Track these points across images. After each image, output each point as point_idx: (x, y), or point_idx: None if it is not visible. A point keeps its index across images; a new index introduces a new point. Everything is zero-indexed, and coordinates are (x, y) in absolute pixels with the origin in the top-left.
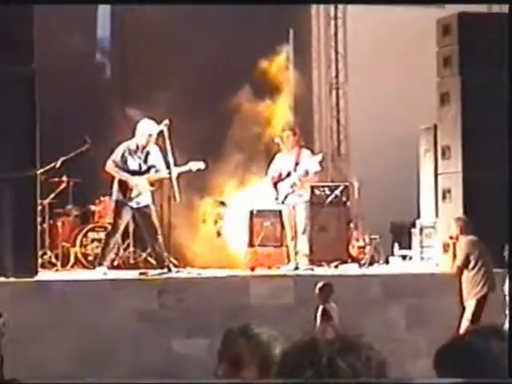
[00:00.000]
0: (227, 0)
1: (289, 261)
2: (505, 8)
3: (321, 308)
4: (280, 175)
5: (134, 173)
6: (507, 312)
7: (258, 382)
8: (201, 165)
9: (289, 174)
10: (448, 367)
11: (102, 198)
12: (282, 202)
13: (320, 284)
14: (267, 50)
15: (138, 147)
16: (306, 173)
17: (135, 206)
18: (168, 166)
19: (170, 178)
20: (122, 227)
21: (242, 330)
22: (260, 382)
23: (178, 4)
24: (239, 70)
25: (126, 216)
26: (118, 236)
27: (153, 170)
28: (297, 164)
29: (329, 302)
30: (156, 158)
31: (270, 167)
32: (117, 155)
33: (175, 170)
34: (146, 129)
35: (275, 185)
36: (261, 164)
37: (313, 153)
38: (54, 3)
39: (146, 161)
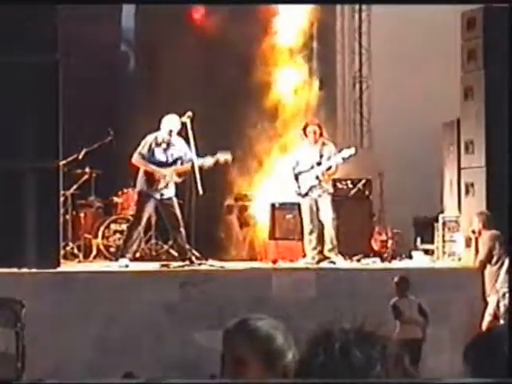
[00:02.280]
0: (228, 0)
1: (304, 255)
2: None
3: (391, 303)
4: (302, 167)
5: (161, 164)
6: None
7: (259, 381)
8: (228, 156)
9: (312, 167)
10: (477, 361)
11: (124, 190)
12: (305, 195)
13: (396, 278)
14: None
15: (163, 140)
16: (330, 167)
17: (159, 197)
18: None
19: (194, 170)
20: (144, 219)
21: (240, 327)
22: (261, 382)
23: (179, 4)
24: (263, 63)
25: (149, 208)
26: (141, 228)
27: (179, 162)
28: (321, 157)
29: (406, 296)
30: (182, 149)
31: (292, 159)
32: (143, 148)
33: (200, 161)
34: (172, 123)
35: (297, 177)
36: (285, 156)
37: (335, 146)
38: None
39: (172, 153)
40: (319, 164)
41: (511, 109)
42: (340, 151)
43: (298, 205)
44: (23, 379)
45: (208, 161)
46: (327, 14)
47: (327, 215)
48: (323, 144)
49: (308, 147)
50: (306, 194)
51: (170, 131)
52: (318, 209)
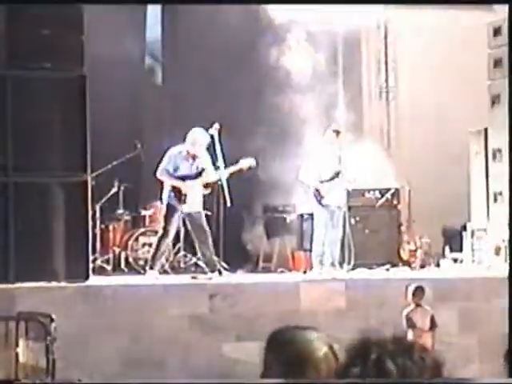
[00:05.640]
0: (229, 0)
1: (311, 267)
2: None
3: (404, 313)
4: (324, 176)
5: (185, 178)
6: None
7: (261, 382)
8: (252, 162)
9: (336, 176)
10: None
11: (153, 203)
12: (325, 205)
13: (412, 287)
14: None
15: (188, 153)
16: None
17: (186, 210)
18: (218, 169)
19: (221, 182)
20: (172, 231)
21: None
22: (263, 383)
23: (179, 4)
24: (289, 72)
25: (177, 220)
26: (169, 240)
27: (204, 174)
28: (340, 165)
29: (421, 306)
30: (206, 161)
31: (314, 167)
32: (168, 162)
33: (226, 172)
34: (199, 138)
35: (317, 186)
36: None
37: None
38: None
39: (196, 166)
40: (339, 173)
41: (511, 115)
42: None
43: (311, 214)
44: None
45: (231, 170)
46: (353, 25)
47: (338, 229)
48: (344, 154)
49: (328, 154)
50: (326, 205)
51: (196, 144)
52: (332, 220)
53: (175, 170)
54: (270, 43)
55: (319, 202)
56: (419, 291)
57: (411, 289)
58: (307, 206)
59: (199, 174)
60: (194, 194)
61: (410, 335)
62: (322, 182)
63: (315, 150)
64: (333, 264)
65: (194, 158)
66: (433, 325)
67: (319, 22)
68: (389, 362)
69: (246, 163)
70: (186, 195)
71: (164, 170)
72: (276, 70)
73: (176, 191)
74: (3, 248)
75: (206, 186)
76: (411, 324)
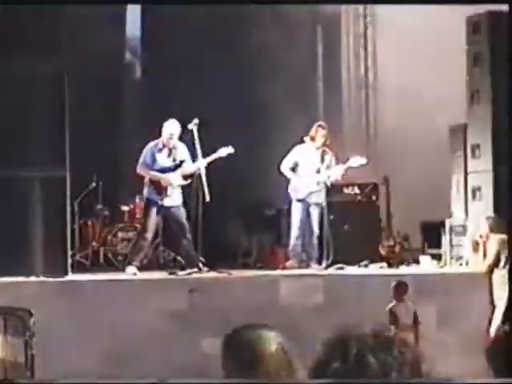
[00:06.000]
0: (229, 0)
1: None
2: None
3: (387, 308)
4: (302, 171)
5: (164, 170)
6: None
7: (257, 382)
8: (230, 150)
9: (314, 172)
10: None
11: (132, 199)
12: (301, 200)
13: (394, 282)
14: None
15: (164, 145)
16: (328, 176)
17: (166, 205)
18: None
19: (201, 178)
20: (151, 227)
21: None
22: (258, 382)
23: (179, 4)
24: (271, 66)
25: (156, 215)
26: (148, 235)
27: (184, 164)
28: (322, 162)
29: (404, 301)
30: (184, 152)
31: (290, 160)
32: (145, 157)
33: (204, 161)
34: (172, 129)
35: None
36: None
37: (342, 151)
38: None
39: (173, 157)
40: (319, 171)
41: (511, 115)
42: (347, 160)
43: (288, 208)
44: None
45: (210, 158)
46: (332, 18)
47: (316, 225)
48: (324, 152)
49: (308, 149)
50: (303, 200)
51: (171, 135)
52: (310, 216)
53: (153, 163)
54: (250, 35)
55: (296, 198)
56: (402, 286)
57: (394, 284)
58: (286, 201)
59: (178, 166)
60: (174, 187)
61: (393, 330)
62: (300, 176)
63: (297, 144)
64: (311, 260)
65: (170, 150)
66: (416, 320)
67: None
68: (369, 357)
69: (224, 151)
70: (166, 188)
71: (143, 165)
72: (256, 63)
73: (156, 185)
74: None
75: (186, 177)
76: (394, 319)
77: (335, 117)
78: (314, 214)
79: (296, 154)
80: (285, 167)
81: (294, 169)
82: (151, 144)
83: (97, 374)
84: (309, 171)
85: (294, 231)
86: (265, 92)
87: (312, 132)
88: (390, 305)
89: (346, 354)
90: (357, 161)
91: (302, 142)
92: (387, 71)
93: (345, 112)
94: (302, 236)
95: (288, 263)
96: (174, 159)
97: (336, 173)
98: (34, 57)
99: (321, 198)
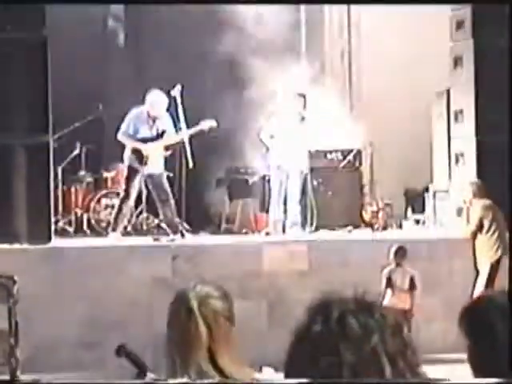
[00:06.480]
0: (228, 0)
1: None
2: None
3: (384, 272)
4: (279, 139)
5: (146, 140)
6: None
7: (255, 382)
8: (213, 123)
9: (294, 138)
10: (473, 326)
11: (115, 165)
12: (278, 167)
13: (394, 247)
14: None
15: (148, 115)
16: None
17: (147, 172)
18: (179, 131)
19: (184, 144)
20: (134, 193)
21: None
22: (266, 383)
23: (178, 4)
24: (251, 35)
25: (139, 182)
26: (131, 202)
27: (165, 135)
28: (304, 128)
29: (402, 266)
30: (167, 123)
31: (267, 129)
32: (127, 125)
33: (187, 133)
34: (158, 100)
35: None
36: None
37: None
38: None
39: (157, 127)
40: (297, 136)
41: (511, 110)
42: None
43: (263, 176)
44: (17, 356)
45: (192, 131)
46: None
47: (294, 191)
48: (303, 118)
49: (285, 117)
50: (280, 166)
51: (153, 105)
52: (287, 182)
53: (135, 132)
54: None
55: (273, 164)
56: (401, 251)
57: (393, 249)
58: (269, 168)
59: (160, 136)
60: (156, 156)
61: (388, 294)
62: (279, 143)
63: (277, 111)
64: (293, 226)
65: (154, 119)
66: (412, 286)
67: None
68: (350, 319)
69: (206, 124)
70: (147, 157)
71: (124, 133)
72: (240, 32)
73: (137, 153)
74: None
75: (168, 148)
76: (389, 283)
77: (318, 83)
78: (292, 180)
79: (276, 121)
80: (264, 135)
81: (272, 136)
82: (134, 112)
83: (79, 340)
84: (287, 137)
85: (274, 197)
86: (249, 61)
87: (291, 100)
88: (387, 268)
89: (328, 317)
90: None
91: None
92: (370, 38)
93: (328, 79)
94: (284, 202)
95: (267, 229)
96: (156, 129)
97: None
98: (17, 22)
99: (301, 163)
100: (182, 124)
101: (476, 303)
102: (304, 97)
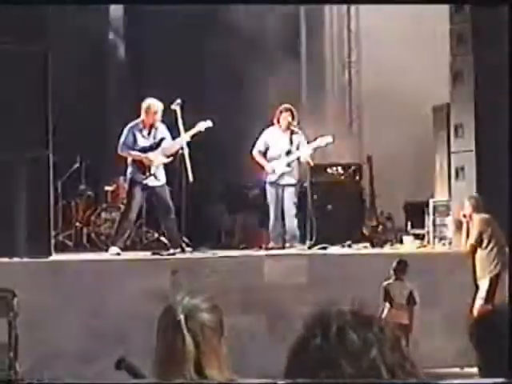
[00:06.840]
0: (228, 0)
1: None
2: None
3: (383, 285)
4: (272, 154)
5: (145, 149)
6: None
7: (254, 381)
8: (209, 124)
9: (284, 154)
10: (484, 337)
11: (115, 179)
12: (273, 182)
13: (395, 261)
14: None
15: (145, 125)
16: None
17: (149, 184)
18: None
19: (183, 156)
20: (135, 207)
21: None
22: (254, 383)
23: (177, 4)
24: (254, 46)
25: (140, 195)
26: (132, 216)
27: (164, 143)
28: (291, 144)
29: (402, 280)
30: (164, 132)
31: (260, 144)
32: (126, 137)
33: (185, 136)
34: (152, 107)
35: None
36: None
37: (326, 132)
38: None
39: (154, 135)
40: (289, 152)
41: (511, 113)
42: (315, 139)
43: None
44: (16, 368)
45: (190, 133)
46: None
47: (290, 205)
48: (293, 133)
49: (277, 132)
50: (274, 182)
51: (148, 113)
52: (283, 197)
53: (134, 142)
54: (235, 9)
55: (269, 180)
56: (402, 265)
57: (394, 263)
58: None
59: (158, 144)
60: (157, 165)
61: (386, 308)
62: (270, 159)
63: (268, 127)
64: (291, 239)
65: (150, 128)
66: (410, 300)
67: None
68: (350, 333)
69: (203, 125)
70: (149, 167)
71: (123, 145)
72: (240, 37)
73: (139, 164)
74: None
75: (167, 155)
76: (388, 297)
77: (319, 98)
78: (287, 194)
79: (265, 138)
80: (256, 151)
81: (265, 152)
82: (131, 124)
83: (79, 353)
84: (278, 153)
85: (272, 213)
86: (249, 72)
87: (276, 116)
88: (386, 282)
89: (327, 331)
90: (324, 140)
91: (272, 124)
92: (370, 52)
93: (328, 93)
94: (281, 217)
95: (270, 244)
96: (154, 137)
97: (304, 153)
98: (18, 35)
99: (292, 178)
100: (181, 135)
101: (486, 315)
102: (291, 110)
